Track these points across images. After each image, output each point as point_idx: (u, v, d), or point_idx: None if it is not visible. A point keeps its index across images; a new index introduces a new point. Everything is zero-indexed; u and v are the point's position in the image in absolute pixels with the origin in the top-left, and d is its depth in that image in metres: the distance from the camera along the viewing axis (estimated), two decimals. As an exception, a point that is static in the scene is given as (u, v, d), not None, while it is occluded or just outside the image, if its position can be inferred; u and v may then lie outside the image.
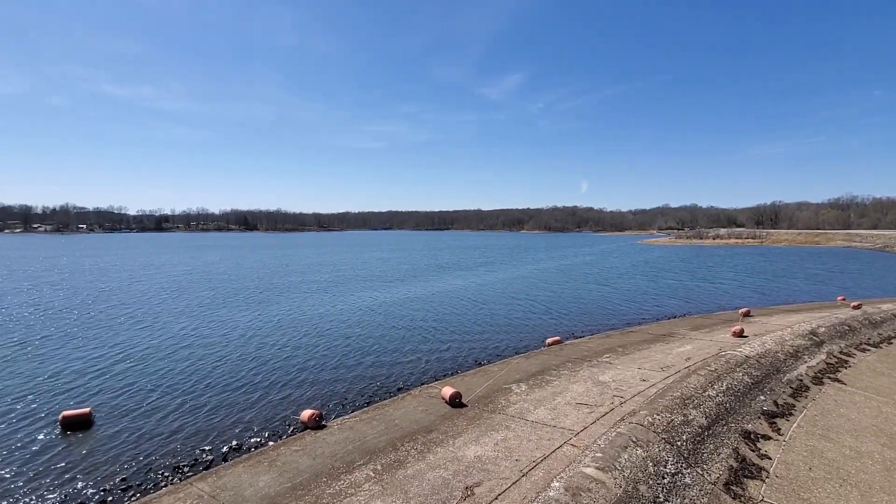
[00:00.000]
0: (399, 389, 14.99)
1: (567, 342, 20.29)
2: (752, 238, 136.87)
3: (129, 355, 18.98)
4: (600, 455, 9.04)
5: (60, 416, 12.62)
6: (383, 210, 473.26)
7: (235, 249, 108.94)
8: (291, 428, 12.19)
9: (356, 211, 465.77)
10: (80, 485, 9.76)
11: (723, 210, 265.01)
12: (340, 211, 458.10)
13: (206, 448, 11.27)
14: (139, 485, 9.78)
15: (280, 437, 11.72)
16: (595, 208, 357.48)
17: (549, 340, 20.02)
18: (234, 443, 11.52)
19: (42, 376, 16.36)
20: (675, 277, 48.18)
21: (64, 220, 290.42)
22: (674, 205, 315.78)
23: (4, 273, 53.23)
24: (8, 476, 10.12)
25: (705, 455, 9.75)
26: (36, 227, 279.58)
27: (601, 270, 56.29)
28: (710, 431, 10.73)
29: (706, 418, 11.16)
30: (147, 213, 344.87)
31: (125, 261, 72.24)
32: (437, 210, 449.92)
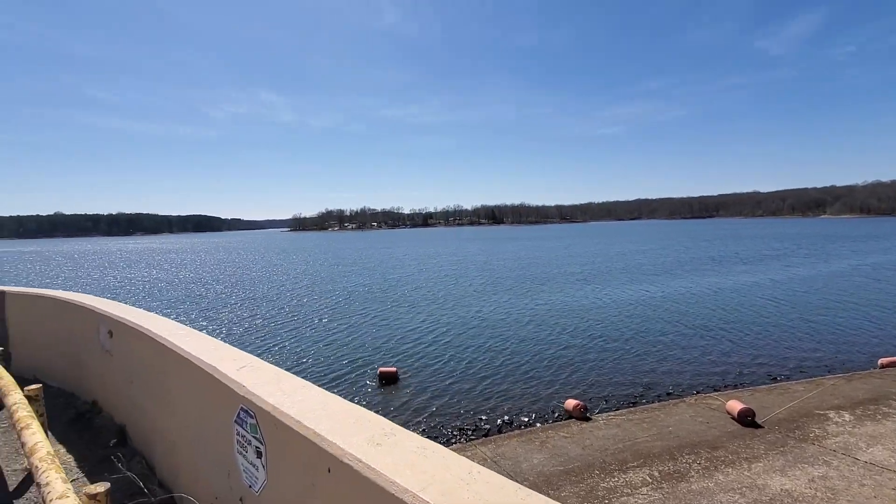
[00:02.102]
0: (668, 394, 13.72)
1: (918, 367, 14.89)
2: None
3: (425, 328, 23.04)
4: None
5: (378, 371, 16.28)
6: (630, 199, 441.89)
7: (488, 241, 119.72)
8: (556, 414, 12.60)
9: (599, 201, 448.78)
10: (396, 428, 12.37)
11: None
12: (583, 202, 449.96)
13: (483, 418, 12.69)
14: (434, 437, 11.72)
15: (546, 421, 12.26)
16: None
17: (883, 361, 15.15)
18: (506, 418, 12.62)
19: (369, 339, 21.46)
20: None
21: (362, 220, 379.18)
22: None
23: (335, 261, 72.46)
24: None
25: None
26: (346, 226, 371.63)
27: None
28: None
29: None
30: (417, 211, 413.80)
31: (408, 251, 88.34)
32: (696, 195, 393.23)
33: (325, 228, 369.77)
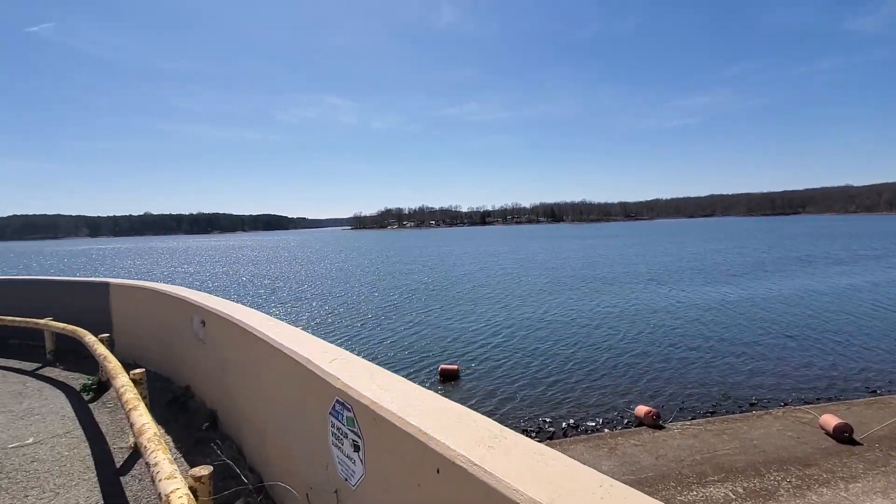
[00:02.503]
0: (751, 405, 12.71)
1: None
2: None
3: (488, 328, 22.88)
4: None
5: (439, 368, 16.37)
6: (702, 194, 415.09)
7: (549, 240, 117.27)
8: (626, 420, 12.05)
9: (667, 197, 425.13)
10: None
11: None
12: (649, 199, 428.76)
13: (547, 420, 12.40)
14: (499, 437, 11.60)
15: (614, 427, 11.76)
16: None
17: None
18: (571, 421, 12.24)
19: (431, 336, 21.67)
20: None
21: (421, 218, 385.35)
22: None
23: (396, 259, 74.04)
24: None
25: None
26: (405, 225, 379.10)
27: None
28: None
29: None
30: (475, 209, 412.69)
31: (468, 249, 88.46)
32: (778, 190, 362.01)
33: (385, 227, 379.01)
